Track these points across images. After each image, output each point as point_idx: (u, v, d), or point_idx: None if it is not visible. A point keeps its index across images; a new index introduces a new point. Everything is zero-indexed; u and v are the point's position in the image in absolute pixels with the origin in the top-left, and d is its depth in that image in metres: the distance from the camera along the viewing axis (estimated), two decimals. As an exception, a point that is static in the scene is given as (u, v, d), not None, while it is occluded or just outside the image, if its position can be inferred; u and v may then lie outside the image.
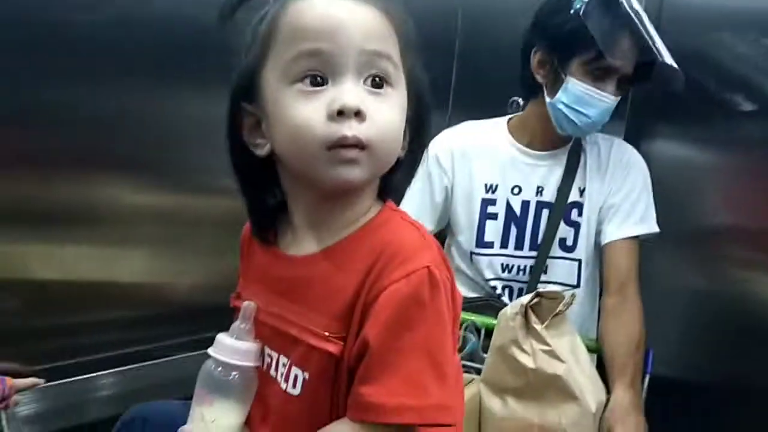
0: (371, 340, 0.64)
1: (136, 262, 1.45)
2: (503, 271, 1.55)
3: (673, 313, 1.76)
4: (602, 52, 1.35)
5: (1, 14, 1.14)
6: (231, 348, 0.74)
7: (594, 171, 1.51)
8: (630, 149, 1.55)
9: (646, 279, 1.51)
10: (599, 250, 1.52)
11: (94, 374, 1.38)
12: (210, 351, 0.76)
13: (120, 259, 1.42)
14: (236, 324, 0.76)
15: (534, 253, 1.52)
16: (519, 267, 1.54)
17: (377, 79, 0.68)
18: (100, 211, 1.36)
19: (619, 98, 1.44)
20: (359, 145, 0.66)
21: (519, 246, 1.53)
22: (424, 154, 1.57)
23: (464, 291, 1.58)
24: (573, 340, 1.28)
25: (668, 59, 1.39)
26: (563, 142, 1.53)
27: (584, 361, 1.27)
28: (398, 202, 0.78)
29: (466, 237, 1.57)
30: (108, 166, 1.35)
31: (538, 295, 1.18)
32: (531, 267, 1.52)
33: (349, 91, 0.66)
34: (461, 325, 1.45)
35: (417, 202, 1.56)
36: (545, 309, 1.18)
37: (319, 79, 0.67)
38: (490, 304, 1.51)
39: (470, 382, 1.26)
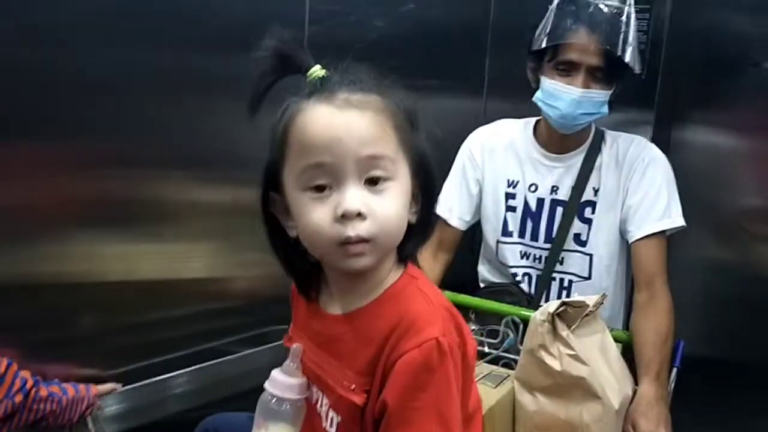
0: (389, 401, 0.79)
1: (202, 257, 1.57)
2: (522, 258, 1.71)
3: (707, 293, 1.83)
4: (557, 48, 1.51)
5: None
6: (282, 383, 0.90)
7: (609, 171, 1.62)
8: (648, 147, 1.62)
9: (682, 261, 1.58)
10: (623, 247, 1.63)
11: (170, 375, 1.52)
12: (265, 385, 0.92)
13: (187, 255, 1.54)
14: (287, 362, 0.92)
15: (548, 246, 1.66)
16: (535, 256, 1.69)
17: (373, 178, 0.79)
18: (169, 209, 1.47)
19: (602, 92, 1.54)
20: (363, 240, 0.78)
21: (534, 238, 1.69)
22: (460, 149, 1.73)
23: (491, 277, 1.80)
24: (603, 338, 1.39)
25: (627, 56, 1.49)
26: (577, 145, 1.64)
27: (613, 357, 1.37)
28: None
29: (492, 226, 1.75)
30: (173, 164, 1.46)
31: (564, 303, 1.29)
32: (546, 257, 1.67)
33: (350, 197, 0.77)
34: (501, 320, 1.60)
35: (456, 196, 1.76)
36: (571, 316, 1.30)
37: (323, 187, 0.79)
38: (508, 290, 1.70)
39: (506, 378, 1.40)
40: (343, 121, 0.78)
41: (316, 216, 0.79)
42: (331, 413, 0.88)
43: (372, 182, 0.79)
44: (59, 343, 1.33)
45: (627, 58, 1.50)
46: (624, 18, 1.51)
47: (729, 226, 1.78)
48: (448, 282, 1.74)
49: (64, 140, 1.27)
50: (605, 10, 1.51)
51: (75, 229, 1.32)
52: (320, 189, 0.79)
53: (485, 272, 1.84)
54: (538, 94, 1.59)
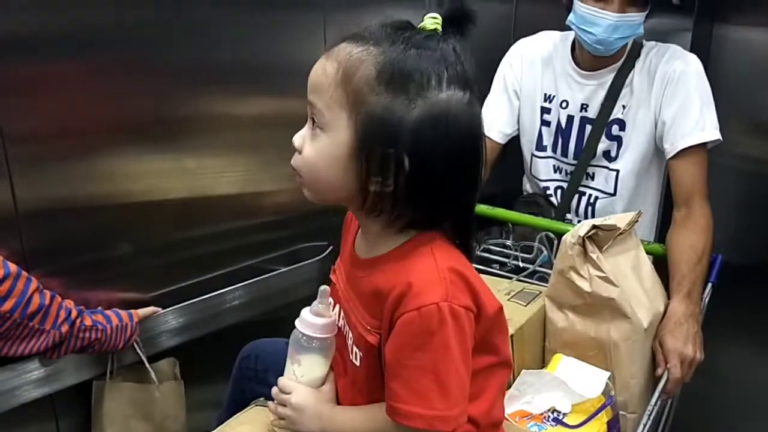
0: (388, 355, 0.82)
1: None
2: (555, 172, 1.73)
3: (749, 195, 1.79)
4: None
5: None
6: (311, 323, 0.93)
7: (641, 89, 1.57)
8: (682, 59, 1.55)
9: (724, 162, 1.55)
10: (655, 163, 1.62)
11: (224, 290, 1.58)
12: (296, 323, 0.95)
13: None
14: (315, 302, 0.94)
15: (576, 162, 1.66)
16: (567, 171, 1.70)
17: (313, 122, 0.84)
18: (200, 124, 1.46)
19: (639, 14, 1.48)
20: (296, 171, 0.86)
21: (564, 153, 1.69)
22: (501, 61, 1.71)
23: (529, 189, 1.83)
24: (638, 254, 1.39)
25: None
26: (611, 63, 1.59)
27: (646, 274, 1.37)
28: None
29: (528, 139, 1.75)
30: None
31: (595, 227, 1.27)
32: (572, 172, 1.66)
33: (298, 132, 0.86)
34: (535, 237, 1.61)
35: (496, 108, 1.75)
36: (602, 238, 1.29)
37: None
38: (536, 201, 1.74)
39: (538, 294, 1.42)
40: (314, 67, 0.84)
41: None
42: (355, 348, 0.91)
43: (313, 126, 0.84)
44: (99, 267, 1.36)
45: None
46: None
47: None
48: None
49: (88, 57, 1.26)
50: None
51: (104, 148, 1.33)
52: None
53: (526, 183, 1.87)
54: (571, 18, 1.53)
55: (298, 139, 0.85)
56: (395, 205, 0.81)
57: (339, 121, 0.80)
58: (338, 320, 0.96)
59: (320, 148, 0.83)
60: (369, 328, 0.87)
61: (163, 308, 1.46)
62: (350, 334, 0.93)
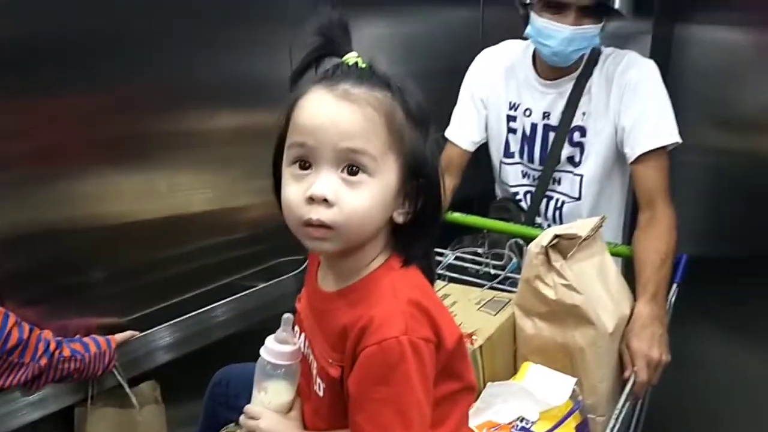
0: (352, 388, 0.84)
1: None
2: (523, 177, 1.77)
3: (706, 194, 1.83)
4: None
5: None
6: (275, 351, 0.96)
7: (599, 96, 1.61)
8: (638, 65, 1.58)
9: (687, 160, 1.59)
10: (617, 168, 1.66)
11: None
12: (261, 351, 0.98)
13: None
14: (279, 330, 0.97)
15: (542, 168, 1.70)
16: (533, 176, 1.74)
17: (353, 168, 0.81)
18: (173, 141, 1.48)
19: (594, 26, 1.51)
20: (324, 226, 0.81)
21: (531, 160, 1.73)
22: (468, 71, 1.76)
23: (500, 194, 1.87)
24: (603, 259, 1.41)
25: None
26: (570, 72, 1.63)
27: (611, 279, 1.40)
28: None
29: (496, 147, 1.79)
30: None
31: (556, 236, 1.30)
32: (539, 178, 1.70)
33: (320, 182, 0.81)
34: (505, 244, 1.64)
35: (464, 116, 1.79)
36: (565, 246, 1.32)
37: (306, 164, 0.82)
38: (506, 207, 1.77)
39: (507, 303, 1.45)
40: (332, 110, 0.81)
41: (291, 192, 0.83)
42: (318, 379, 0.94)
43: (349, 172, 0.81)
44: (75, 293, 1.38)
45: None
46: None
47: (736, 120, 1.74)
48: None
49: (59, 77, 1.28)
50: None
51: (76, 171, 1.34)
52: (302, 167, 0.83)
53: (497, 189, 1.90)
54: (529, 30, 1.57)
55: (329, 192, 0.80)
56: (403, 232, 0.88)
57: (389, 164, 0.83)
58: (303, 347, 0.99)
59: (372, 196, 0.82)
60: (331, 361, 0.89)
61: (143, 330, 1.48)
62: (314, 363, 0.95)
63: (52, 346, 1.24)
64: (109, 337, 1.37)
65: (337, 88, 0.82)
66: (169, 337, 1.54)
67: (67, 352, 1.27)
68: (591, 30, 1.51)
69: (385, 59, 0.87)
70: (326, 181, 0.81)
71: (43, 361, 1.22)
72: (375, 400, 0.82)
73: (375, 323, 0.82)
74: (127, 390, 1.41)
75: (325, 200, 0.80)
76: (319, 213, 0.81)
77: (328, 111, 0.81)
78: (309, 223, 0.81)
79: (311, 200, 0.81)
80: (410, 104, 0.84)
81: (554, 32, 1.51)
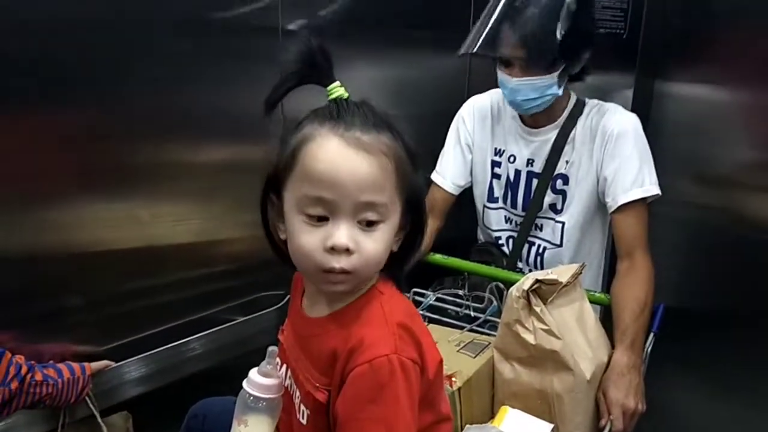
0: (340, 409, 0.85)
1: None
2: (506, 222, 1.80)
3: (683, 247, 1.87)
4: None
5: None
6: (258, 383, 0.95)
7: (582, 145, 1.65)
8: (620, 118, 1.62)
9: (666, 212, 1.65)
10: (598, 216, 1.69)
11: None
12: (243, 384, 0.97)
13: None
14: (264, 363, 0.97)
15: (524, 213, 1.73)
16: (516, 221, 1.77)
17: (370, 218, 0.84)
18: (155, 173, 1.48)
19: (542, 77, 1.55)
20: (345, 272, 0.84)
21: (514, 205, 1.76)
22: (456, 116, 1.81)
23: (483, 238, 1.89)
24: (582, 306, 1.43)
25: (551, 42, 1.50)
26: (552, 120, 1.67)
27: (590, 326, 1.41)
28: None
29: (480, 191, 1.82)
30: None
31: (538, 281, 1.32)
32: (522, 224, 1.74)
33: (341, 233, 0.82)
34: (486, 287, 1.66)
35: (450, 161, 1.82)
36: (545, 291, 1.33)
37: (320, 217, 0.84)
38: (488, 251, 1.81)
39: (486, 346, 1.45)
40: (349, 163, 0.82)
41: (307, 241, 0.85)
42: (302, 407, 0.94)
43: (367, 225, 0.85)
44: (52, 319, 1.37)
45: (553, 47, 1.51)
46: (547, 3, 1.52)
47: (713, 175, 1.79)
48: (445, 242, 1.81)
49: (39, 104, 1.28)
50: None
51: (60, 197, 1.34)
52: (316, 219, 0.84)
53: (479, 233, 1.92)
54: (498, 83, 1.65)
55: (351, 243, 0.83)
56: (392, 258, 0.90)
57: (396, 205, 0.87)
58: (285, 379, 0.99)
59: (385, 239, 0.86)
60: (318, 385, 0.90)
61: (119, 360, 1.46)
62: (297, 393, 0.95)
63: (24, 370, 1.22)
64: (84, 364, 1.35)
65: (347, 134, 0.83)
66: (144, 369, 1.52)
67: (39, 377, 1.25)
68: (539, 81, 1.55)
69: (375, 100, 0.89)
70: (347, 231, 0.83)
71: (14, 385, 1.20)
72: (364, 419, 0.83)
73: (365, 343, 0.84)
74: (99, 420, 1.38)
75: (347, 249, 0.83)
76: (341, 262, 0.83)
77: (345, 163, 0.82)
78: (331, 271, 0.84)
79: (332, 250, 0.83)
80: (407, 143, 0.87)
81: (505, 83, 1.60)
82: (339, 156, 0.82)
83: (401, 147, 0.86)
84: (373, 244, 0.85)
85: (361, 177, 0.82)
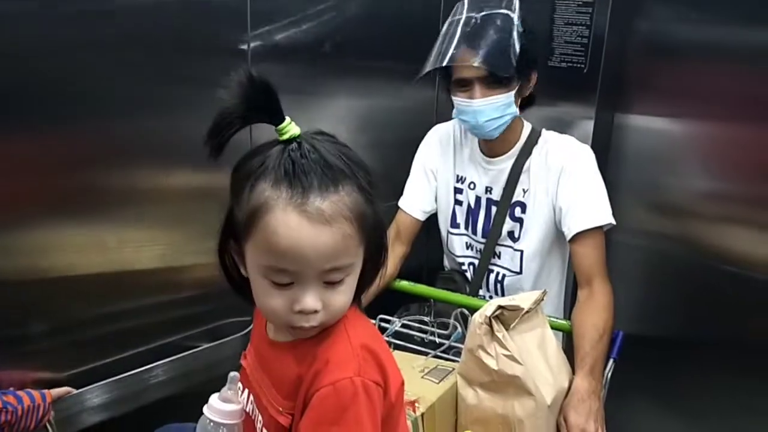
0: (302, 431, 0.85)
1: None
2: (467, 249, 1.83)
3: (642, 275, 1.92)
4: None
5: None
6: (219, 410, 0.95)
7: (537, 175, 1.69)
8: (575, 149, 1.67)
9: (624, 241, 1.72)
10: (557, 244, 1.73)
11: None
12: (204, 409, 0.97)
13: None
14: (225, 388, 0.97)
15: (485, 240, 1.76)
16: (477, 248, 1.80)
17: (336, 279, 0.84)
18: (122, 198, 1.46)
19: (502, 95, 1.59)
20: (314, 327, 0.86)
21: (474, 232, 1.80)
22: (421, 144, 1.85)
23: (448, 264, 1.93)
24: (543, 332, 1.46)
25: (511, 60, 1.54)
26: (507, 149, 1.72)
27: (551, 351, 1.44)
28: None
29: (444, 217, 1.86)
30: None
31: (500, 307, 1.35)
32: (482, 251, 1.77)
33: (308, 299, 0.83)
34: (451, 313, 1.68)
35: (416, 187, 1.86)
36: (507, 318, 1.36)
37: (286, 283, 0.84)
38: (452, 278, 1.85)
39: (450, 372, 1.47)
40: (312, 239, 0.80)
41: (274, 303, 0.85)
42: (265, 430, 0.94)
43: (333, 284, 0.85)
44: (12, 345, 1.35)
45: (512, 61, 1.55)
46: (501, 24, 1.57)
47: (670, 205, 1.84)
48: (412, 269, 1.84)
49: (6, 126, 1.27)
50: (486, 20, 1.58)
51: (25, 222, 1.32)
52: (280, 284, 0.84)
53: (445, 259, 1.96)
54: (454, 111, 1.67)
55: (319, 305, 0.84)
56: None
57: (359, 254, 0.87)
58: (246, 404, 0.99)
59: (351, 288, 0.88)
60: (281, 409, 0.90)
61: (81, 387, 1.44)
62: (260, 417, 0.96)
63: None
64: (45, 391, 1.33)
65: (307, 206, 0.79)
66: (106, 395, 1.50)
67: (-2, 404, 1.23)
68: (500, 99, 1.59)
69: (345, 127, 0.89)
70: (314, 295, 0.84)
71: (-28, 413, 1.18)
72: None
73: (329, 366, 0.85)
74: (59, 448, 1.36)
75: (315, 311, 0.84)
76: (310, 321, 0.85)
77: (308, 240, 0.80)
78: (301, 328, 0.86)
79: (300, 312, 0.84)
80: (362, 180, 0.84)
81: (465, 107, 1.61)
82: (301, 233, 0.79)
83: (358, 189, 0.83)
84: (341, 297, 0.86)
85: (324, 250, 0.81)
